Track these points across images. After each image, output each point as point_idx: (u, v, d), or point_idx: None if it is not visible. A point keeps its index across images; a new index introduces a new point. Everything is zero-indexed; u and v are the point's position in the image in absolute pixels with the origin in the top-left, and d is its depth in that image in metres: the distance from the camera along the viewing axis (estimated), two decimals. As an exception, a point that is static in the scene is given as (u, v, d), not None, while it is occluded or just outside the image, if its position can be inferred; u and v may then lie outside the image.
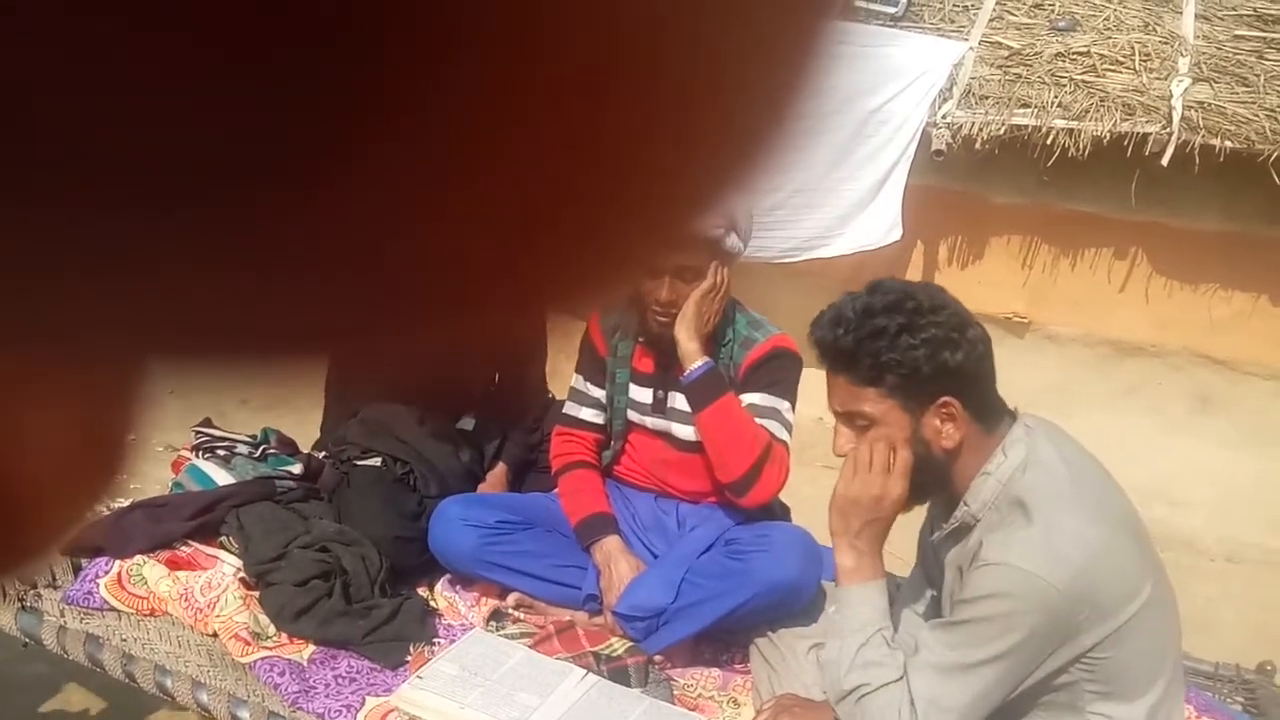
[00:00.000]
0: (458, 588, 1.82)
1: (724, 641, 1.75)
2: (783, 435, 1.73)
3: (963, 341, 1.26)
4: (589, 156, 0.10)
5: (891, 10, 3.32)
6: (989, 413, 1.30)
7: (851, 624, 1.33)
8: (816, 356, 1.34)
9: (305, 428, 2.12)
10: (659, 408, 1.82)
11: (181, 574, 1.72)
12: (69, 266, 0.10)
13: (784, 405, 1.75)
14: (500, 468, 2.03)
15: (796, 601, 1.66)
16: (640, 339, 1.82)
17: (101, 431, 0.13)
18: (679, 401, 1.79)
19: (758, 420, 1.72)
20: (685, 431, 1.80)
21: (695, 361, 1.69)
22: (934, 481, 1.32)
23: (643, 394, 1.83)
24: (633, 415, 1.85)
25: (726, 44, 0.10)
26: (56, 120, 0.09)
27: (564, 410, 1.92)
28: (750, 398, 1.74)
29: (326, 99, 0.09)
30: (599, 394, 1.87)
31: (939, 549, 1.39)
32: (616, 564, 1.74)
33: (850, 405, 1.31)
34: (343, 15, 0.09)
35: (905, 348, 1.25)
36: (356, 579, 1.67)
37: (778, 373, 1.75)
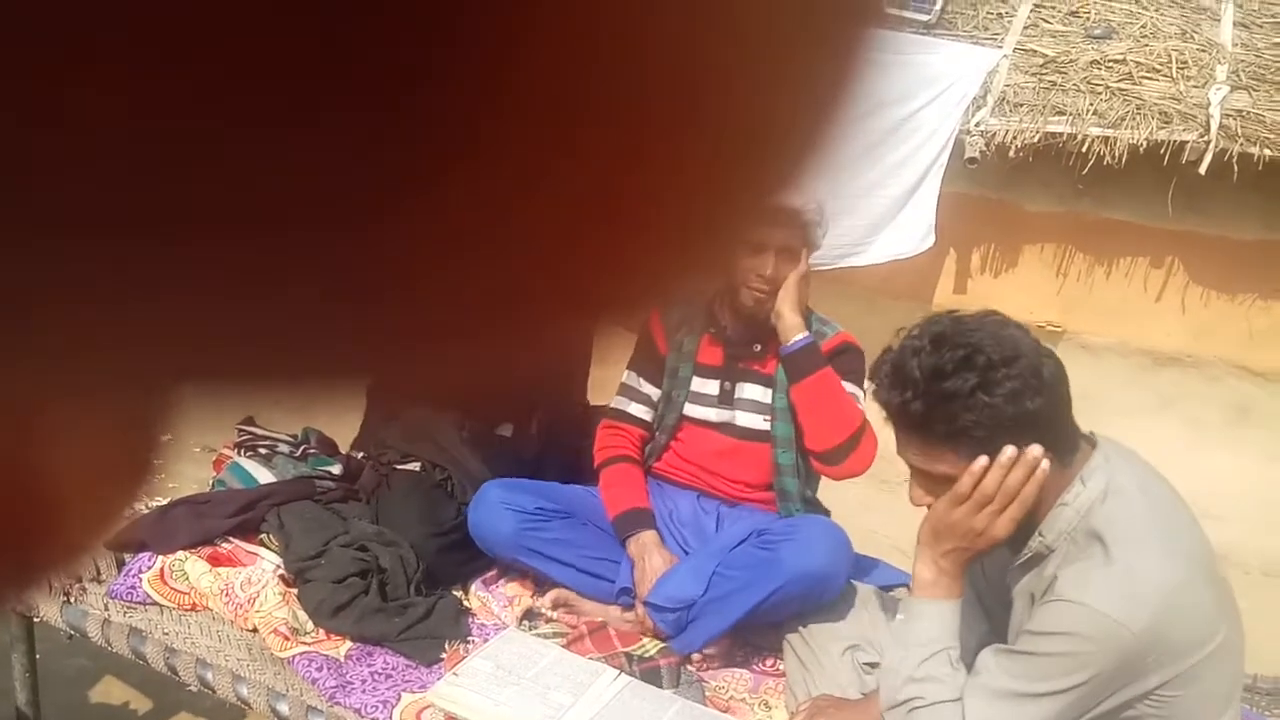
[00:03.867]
0: (492, 588, 1.84)
1: (755, 645, 1.75)
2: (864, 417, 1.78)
3: (1041, 386, 1.20)
4: (640, 172, 0.11)
5: (925, 18, 3.32)
6: (1067, 446, 1.25)
7: (917, 637, 1.31)
8: (881, 415, 1.29)
9: (343, 428, 2.15)
10: (725, 399, 1.85)
11: (223, 570, 1.75)
12: (110, 293, 0.10)
13: (859, 394, 1.79)
14: None
15: (825, 592, 1.66)
16: (710, 330, 1.85)
17: (133, 435, 0.13)
18: (747, 391, 1.83)
19: None
20: (752, 420, 1.83)
21: (798, 334, 1.74)
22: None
23: (707, 386, 1.86)
24: (691, 410, 1.87)
25: (769, 52, 0.11)
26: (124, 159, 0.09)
27: (613, 405, 1.94)
28: None
29: (385, 133, 0.09)
30: (651, 391, 1.90)
31: (1004, 575, 1.36)
32: (650, 557, 1.76)
33: (925, 465, 1.27)
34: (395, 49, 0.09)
35: (982, 407, 1.19)
36: (393, 578, 1.69)
37: (849, 364, 1.80)
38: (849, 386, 1.78)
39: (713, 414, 1.85)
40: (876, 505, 2.74)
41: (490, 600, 1.81)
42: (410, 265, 0.10)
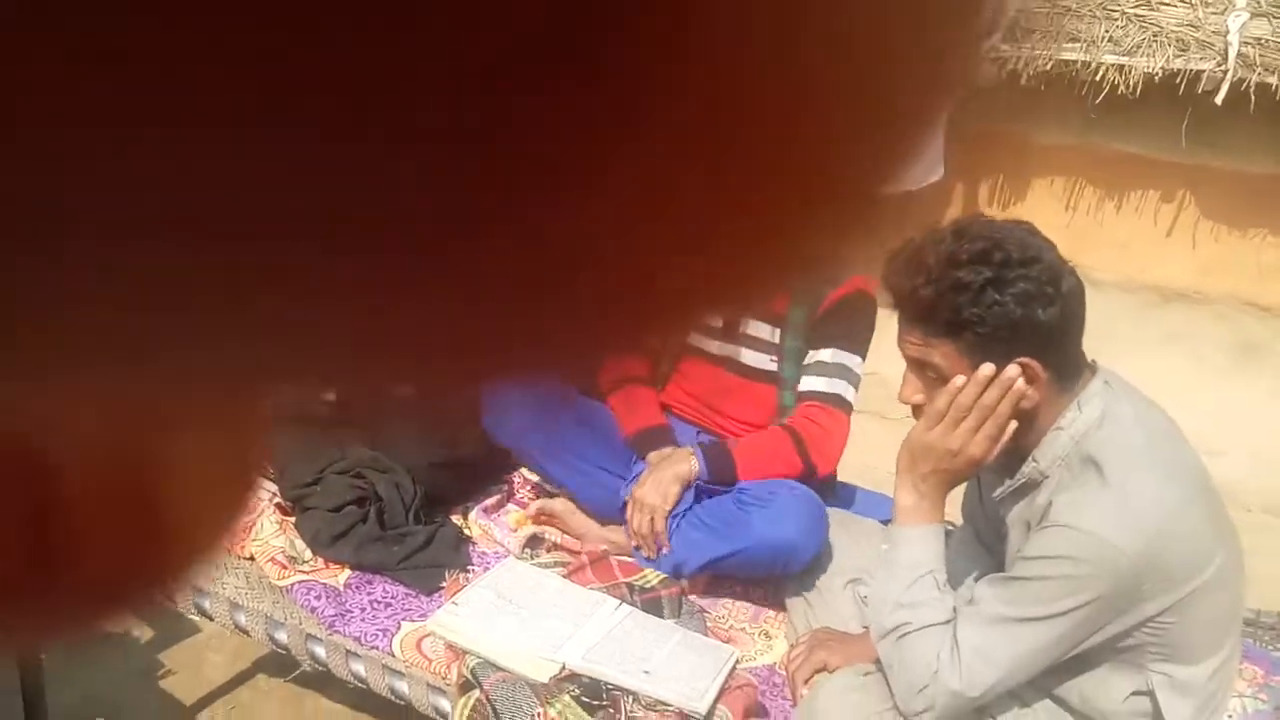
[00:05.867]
0: (493, 516, 1.83)
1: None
2: (847, 395, 1.74)
3: (1056, 297, 1.17)
4: (790, 160, 0.10)
5: (938, -60, 3.20)
6: (1070, 370, 1.23)
7: (902, 562, 1.30)
8: (889, 299, 1.27)
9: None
10: (729, 331, 1.80)
11: (218, 498, 1.73)
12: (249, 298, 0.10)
13: (854, 360, 1.75)
14: None
15: (792, 562, 1.63)
16: None
17: (240, 446, 0.13)
18: (752, 326, 1.78)
19: (825, 380, 1.73)
20: (753, 358, 1.79)
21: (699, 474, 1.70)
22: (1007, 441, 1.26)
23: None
24: (695, 339, 1.83)
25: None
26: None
27: None
28: (820, 354, 1.74)
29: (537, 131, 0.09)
30: None
31: (1000, 506, 1.34)
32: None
33: (921, 355, 1.24)
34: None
35: (989, 304, 1.17)
36: (391, 506, 1.68)
37: (852, 322, 1.74)
38: (840, 356, 1.73)
39: (715, 346, 1.81)
40: (876, 440, 2.72)
41: (492, 528, 1.80)
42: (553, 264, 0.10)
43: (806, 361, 1.76)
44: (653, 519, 1.67)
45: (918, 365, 1.26)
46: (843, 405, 1.74)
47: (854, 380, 1.75)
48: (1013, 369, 1.20)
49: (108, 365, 0.10)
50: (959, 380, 1.22)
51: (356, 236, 0.09)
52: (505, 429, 1.77)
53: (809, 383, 1.75)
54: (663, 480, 1.68)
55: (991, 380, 1.20)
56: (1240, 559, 1.27)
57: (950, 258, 1.18)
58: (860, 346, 1.76)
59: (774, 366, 1.78)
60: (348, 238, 0.09)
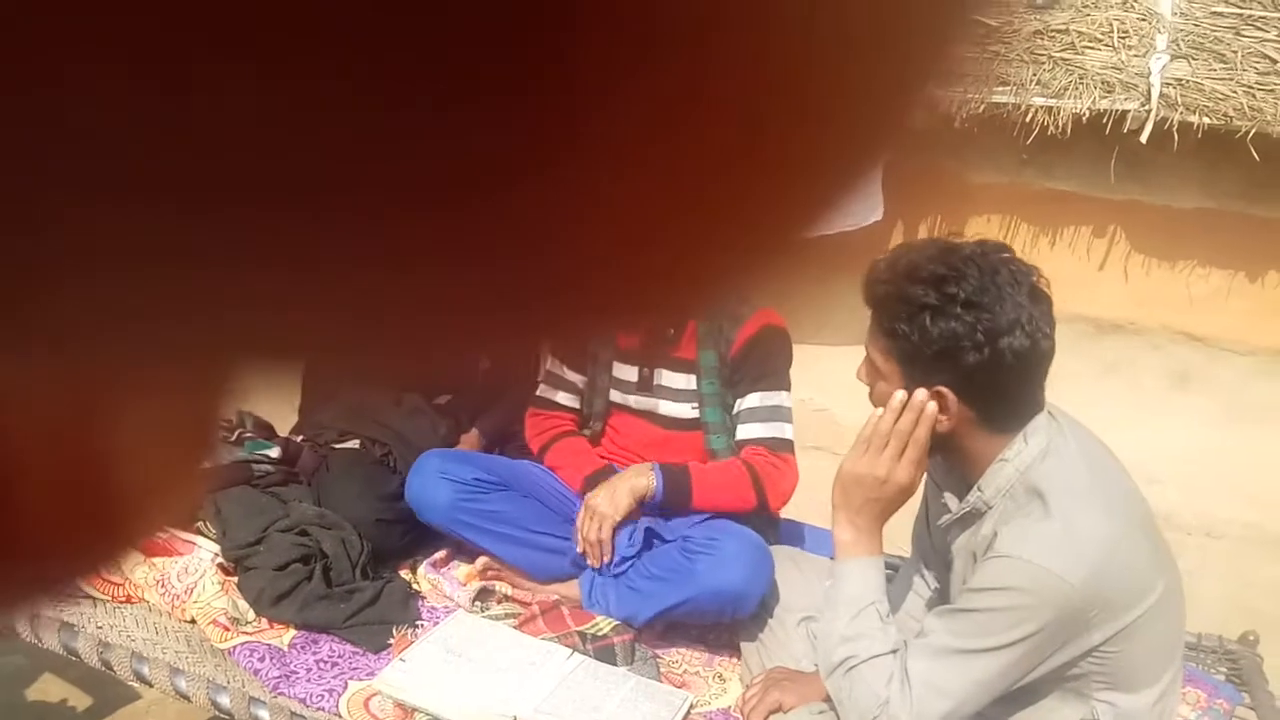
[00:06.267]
0: (442, 570, 1.80)
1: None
2: (786, 435, 1.74)
3: (985, 347, 1.19)
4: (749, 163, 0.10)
5: (870, -11, 3.30)
6: (1002, 417, 1.26)
7: (843, 597, 1.31)
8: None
9: (279, 409, 2.09)
10: (644, 385, 1.80)
11: (158, 560, 1.68)
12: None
13: (781, 397, 1.76)
14: (474, 433, 2.00)
15: (739, 609, 1.63)
16: None
17: (194, 424, 0.13)
18: (666, 378, 1.78)
19: (761, 425, 1.73)
20: (673, 409, 1.78)
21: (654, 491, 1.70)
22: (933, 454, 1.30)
23: (628, 372, 1.81)
24: (615, 396, 1.82)
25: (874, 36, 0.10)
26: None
27: (538, 394, 1.90)
28: (748, 401, 1.74)
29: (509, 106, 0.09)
30: (575, 379, 1.86)
31: (946, 535, 1.36)
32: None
33: (868, 342, 1.30)
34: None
35: (919, 326, 1.20)
36: (337, 562, 1.65)
37: (768, 361, 1.75)
38: (768, 398, 1.74)
39: (633, 400, 1.81)
40: (826, 475, 2.74)
41: (441, 582, 1.78)
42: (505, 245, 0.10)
43: (736, 410, 1.77)
44: (600, 526, 1.66)
45: (867, 352, 1.31)
46: (786, 446, 1.75)
47: (788, 416, 1.76)
48: (922, 394, 1.24)
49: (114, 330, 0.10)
50: (878, 413, 1.27)
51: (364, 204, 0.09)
52: (431, 509, 1.74)
53: (746, 430, 1.76)
54: (617, 491, 1.68)
55: (905, 406, 1.24)
56: (1180, 587, 1.29)
57: (913, 269, 1.22)
58: (783, 381, 1.77)
59: (695, 414, 1.78)
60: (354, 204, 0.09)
